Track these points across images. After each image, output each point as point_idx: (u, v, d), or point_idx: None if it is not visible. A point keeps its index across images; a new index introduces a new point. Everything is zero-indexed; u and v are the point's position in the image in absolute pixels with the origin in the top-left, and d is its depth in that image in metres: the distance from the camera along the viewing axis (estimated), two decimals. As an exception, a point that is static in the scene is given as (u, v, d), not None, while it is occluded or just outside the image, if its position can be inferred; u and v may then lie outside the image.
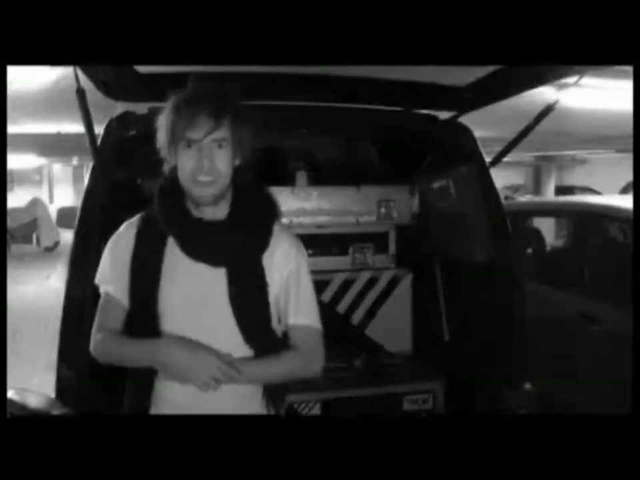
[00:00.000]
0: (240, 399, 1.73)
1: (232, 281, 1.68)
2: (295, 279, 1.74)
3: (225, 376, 1.61)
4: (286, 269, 1.73)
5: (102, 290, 1.76)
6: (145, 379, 1.72)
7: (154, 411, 1.74)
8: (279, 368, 1.74)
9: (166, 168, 1.72)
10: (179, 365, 1.62)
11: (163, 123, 1.64)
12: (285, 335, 1.76)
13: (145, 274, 1.70)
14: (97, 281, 1.77)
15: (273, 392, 1.79)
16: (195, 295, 1.69)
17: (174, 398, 1.70)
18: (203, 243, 1.69)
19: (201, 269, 1.68)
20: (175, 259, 1.70)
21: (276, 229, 1.76)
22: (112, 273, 1.74)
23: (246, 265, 1.71)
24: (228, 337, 1.69)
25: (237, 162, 1.68)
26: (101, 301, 1.75)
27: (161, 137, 1.65)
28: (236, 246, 1.70)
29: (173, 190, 1.70)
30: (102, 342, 1.72)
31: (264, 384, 1.76)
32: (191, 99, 1.62)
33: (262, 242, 1.72)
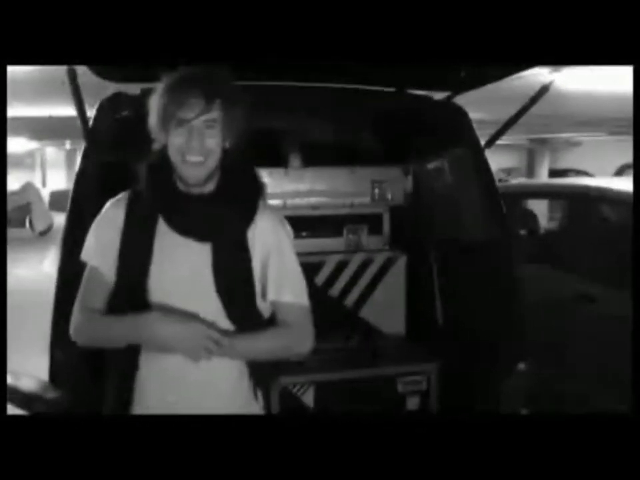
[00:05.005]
0: (226, 379, 1.74)
1: (216, 256, 1.70)
2: (277, 255, 1.76)
3: (217, 345, 1.63)
4: (267, 243, 1.75)
5: (89, 265, 1.76)
6: (129, 360, 1.72)
7: (138, 392, 1.74)
8: (269, 343, 1.76)
9: (156, 147, 1.74)
10: (169, 336, 1.63)
11: (155, 104, 1.66)
12: (273, 313, 1.78)
13: (136, 255, 1.71)
14: (82, 256, 1.77)
15: (260, 374, 1.79)
16: (181, 271, 1.70)
17: (160, 375, 1.71)
18: (189, 218, 1.71)
19: (188, 244, 1.70)
20: (163, 236, 1.71)
21: (261, 206, 1.78)
22: (98, 253, 1.75)
23: (231, 239, 1.73)
24: (211, 312, 1.70)
25: (227, 144, 1.70)
26: (86, 275, 1.76)
27: (153, 118, 1.67)
28: (221, 220, 1.72)
29: (161, 167, 1.72)
30: (85, 323, 1.73)
31: (250, 367, 1.77)
32: (183, 80, 1.64)
33: (247, 217, 1.74)
